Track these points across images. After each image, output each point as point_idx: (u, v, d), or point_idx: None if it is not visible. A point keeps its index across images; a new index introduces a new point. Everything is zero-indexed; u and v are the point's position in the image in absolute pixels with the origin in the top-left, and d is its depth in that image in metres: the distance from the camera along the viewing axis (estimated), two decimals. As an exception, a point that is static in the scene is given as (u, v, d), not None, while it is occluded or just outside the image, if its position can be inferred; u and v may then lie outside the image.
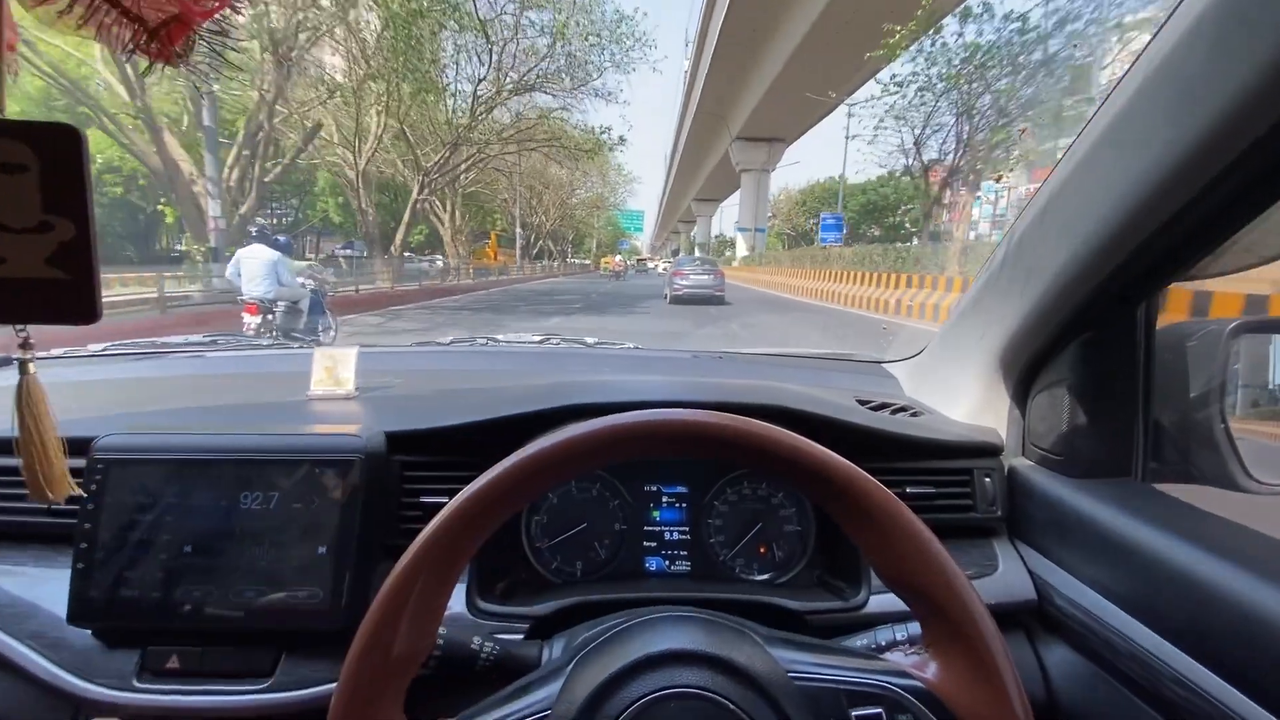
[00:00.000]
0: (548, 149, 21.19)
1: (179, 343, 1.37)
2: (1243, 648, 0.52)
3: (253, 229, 6.36)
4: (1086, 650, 0.69)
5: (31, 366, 0.39)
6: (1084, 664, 0.69)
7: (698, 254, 39.19)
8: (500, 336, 1.49)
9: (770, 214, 45.33)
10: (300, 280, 6.23)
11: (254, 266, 5.73)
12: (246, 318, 5.75)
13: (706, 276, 15.38)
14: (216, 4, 0.45)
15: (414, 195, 18.57)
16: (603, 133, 20.70)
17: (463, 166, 20.63)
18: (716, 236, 77.56)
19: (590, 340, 1.48)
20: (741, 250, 44.11)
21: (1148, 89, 0.55)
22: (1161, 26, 0.52)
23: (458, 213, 23.84)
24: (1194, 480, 0.72)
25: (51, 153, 0.39)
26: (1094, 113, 0.62)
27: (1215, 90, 0.48)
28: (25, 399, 0.39)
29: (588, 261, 65.27)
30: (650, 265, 53.79)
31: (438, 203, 22.72)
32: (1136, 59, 0.55)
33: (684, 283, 15.24)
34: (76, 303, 0.39)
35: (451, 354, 1.41)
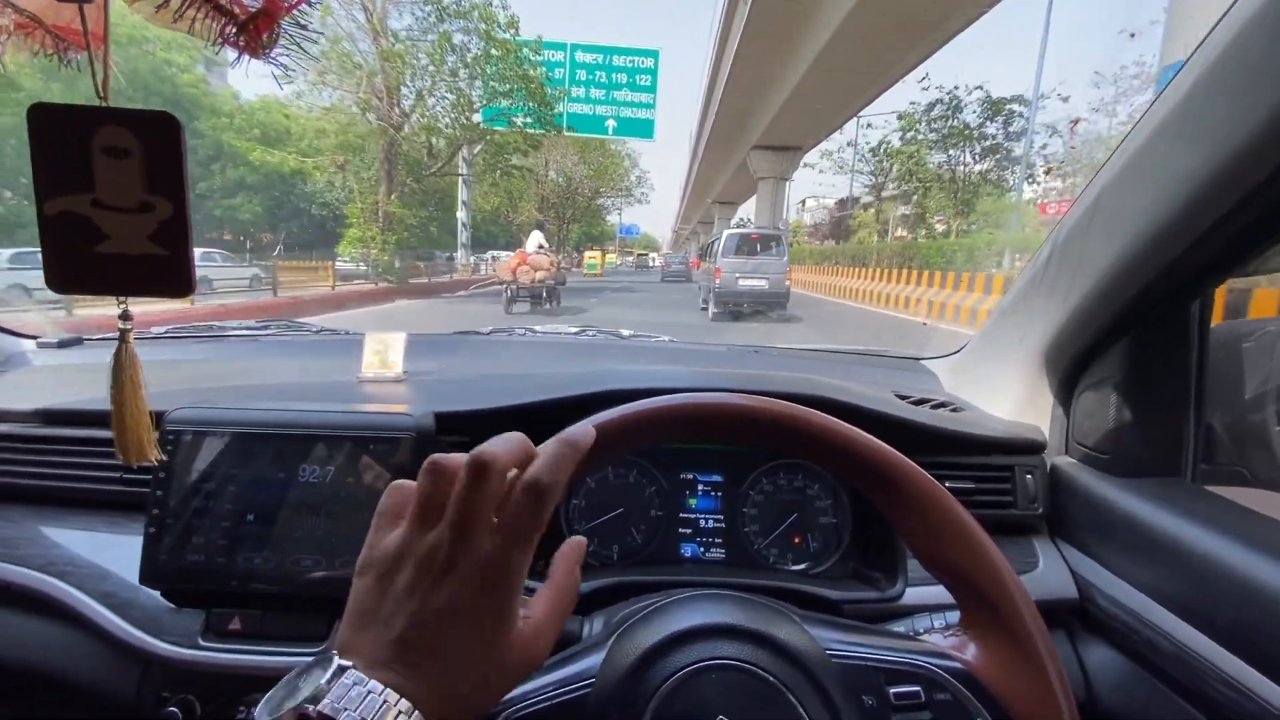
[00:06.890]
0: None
1: (236, 326, 1.44)
2: None
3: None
4: (1129, 650, 0.68)
5: (130, 336, 0.43)
6: (1126, 664, 0.68)
7: (679, 254, 46.06)
8: (538, 327, 1.52)
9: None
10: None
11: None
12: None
13: (682, 266, 31.85)
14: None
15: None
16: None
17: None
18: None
19: (626, 332, 1.50)
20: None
21: (1208, 78, 0.53)
22: (1224, 14, 0.51)
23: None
24: (1248, 483, 0.71)
25: (153, 139, 0.43)
26: (1150, 103, 0.60)
27: (1278, 75, 0.46)
28: (124, 365, 0.43)
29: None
30: (651, 262, 54.56)
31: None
32: (1196, 49, 0.54)
33: (669, 270, 32.36)
34: (175, 277, 0.43)
35: (492, 343, 1.45)
